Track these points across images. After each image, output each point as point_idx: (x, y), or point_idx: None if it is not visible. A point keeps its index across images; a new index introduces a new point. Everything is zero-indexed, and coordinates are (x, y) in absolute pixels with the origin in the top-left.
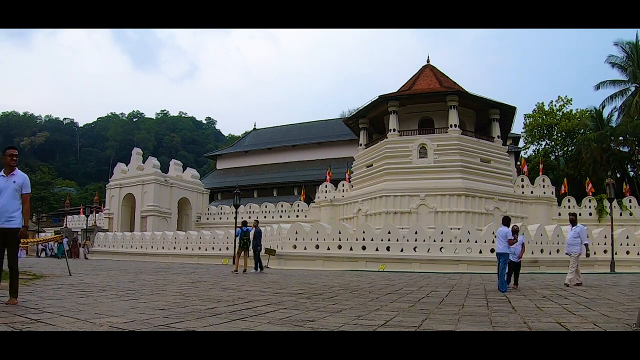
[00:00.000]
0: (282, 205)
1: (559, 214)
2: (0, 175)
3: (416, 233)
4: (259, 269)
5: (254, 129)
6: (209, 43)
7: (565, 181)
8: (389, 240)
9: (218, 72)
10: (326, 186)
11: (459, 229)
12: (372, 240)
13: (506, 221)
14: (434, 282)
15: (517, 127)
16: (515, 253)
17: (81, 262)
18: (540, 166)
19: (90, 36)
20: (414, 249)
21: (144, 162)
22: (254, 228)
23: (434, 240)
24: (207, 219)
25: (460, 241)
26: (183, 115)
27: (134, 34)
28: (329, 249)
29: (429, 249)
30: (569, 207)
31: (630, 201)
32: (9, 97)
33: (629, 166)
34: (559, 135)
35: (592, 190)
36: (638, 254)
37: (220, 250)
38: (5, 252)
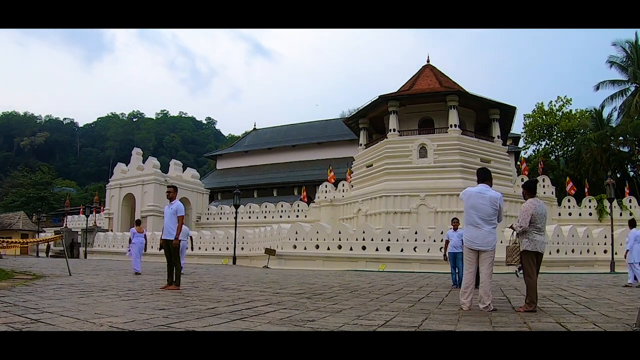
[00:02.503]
0: (282, 205)
1: (559, 214)
2: (166, 205)
3: (416, 233)
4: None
5: (254, 129)
6: (257, 70)
7: (569, 180)
8: (389, 240)
9: (257, 92)
10: (326, 186)
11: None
12: (372, 240)
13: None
14: (434, 282)
15: (517, 127)
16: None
17: (81, 262)
18: (540, 165)
19: (153, 63)
20: (414, 249)
21: (144, 162)
22: None
23: (434, 240)
24: (207, 219)
25: None
26: (183, 116)
27: (186, 60)
28: (329, 249)
29: (429, 249)
30: (569, 207)
31: (630, 201)
32: (18, 98)
33: (629, 166)
34: (559, 135)
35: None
36: None
37: (220, 250)
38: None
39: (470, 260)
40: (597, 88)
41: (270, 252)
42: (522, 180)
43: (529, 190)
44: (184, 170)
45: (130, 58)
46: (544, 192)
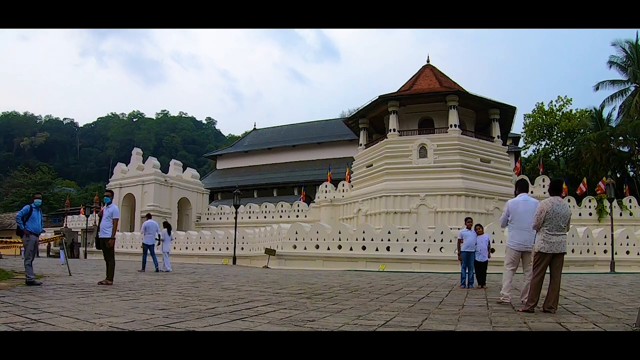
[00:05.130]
0: (282, 205)
1: None
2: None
3: (416, 233)
4: None
5: (254, 129)
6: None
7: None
8: (389, 240)
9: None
10: (326, 186)
11: (459, 229)
12: (372, 240)
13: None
14: (434, 282)
15: (517, 127)
16: (480, 252)
17: (81, 262)
18: (540, 166)
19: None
20: (414, 249)
21: (144, 162)
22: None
23: (434, 240)
24: (207, 219)
25: None
26: (183, 115)
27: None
28: (329, 249)
29: (429, 249)
30: (569, 207)
31: (630, 201)
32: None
33: (629, 166)
34: (559, 135)
35: (586, 188)
36: (638, 254)
37: (220, 250)
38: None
39: (515, 261)
40: (597, 88)
41: (270, 252)
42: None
43: (521, 187)
44: (184, 170)
45: (183, 86)
46: (544, 192)
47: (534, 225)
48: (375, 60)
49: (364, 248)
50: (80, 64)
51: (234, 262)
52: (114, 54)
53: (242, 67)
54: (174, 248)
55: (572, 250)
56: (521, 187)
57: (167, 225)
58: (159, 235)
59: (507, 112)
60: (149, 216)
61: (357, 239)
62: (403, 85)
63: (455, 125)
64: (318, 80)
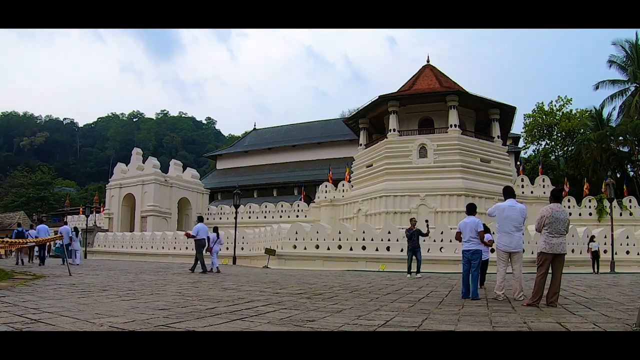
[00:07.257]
0: (282, 205)
1: None
2: None
3: None
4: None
5: (254, 129)
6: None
7: (566, 180)
8: (389, 240)
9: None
10: (326, 186)
11: None
12: (372, 240)
13: (472, 209)
14: (434, 282)
15: (517, 127)
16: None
17: (81, 262)
18: (540, 167)
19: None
20: None
21: (144, 162)
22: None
23: (434, 240)
24: (207, 219)
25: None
26: (183, 115)
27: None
28: (329, 249)
29: (429, 249)
30: (569, 207)
31: (630, 201)
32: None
33: (629, 166)
34: (559, 135)
35: (588, 188)
36: (638, 254)
37: (220, 250)
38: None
39: (505, 261)
40: (597, 87)
41: (270, 252)
42: (522, 180)
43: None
44: (184, 170)
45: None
46: (544, 192)
47: (535, 228)
48: (375, 59)
49: (364, 248)
50: (120, 79)
51: (234, 262)
52: (156, 75)
53: (274, 87)
54: (174, 248)
55: (572, 251)
56: (508, 193)
57: (216, 230)
58: (209, 238)
59: (507, 112)
60: (200, 219)
61: (357, 239)
62: (403, 85)
63: (455, 125)
64: (343, 98)
